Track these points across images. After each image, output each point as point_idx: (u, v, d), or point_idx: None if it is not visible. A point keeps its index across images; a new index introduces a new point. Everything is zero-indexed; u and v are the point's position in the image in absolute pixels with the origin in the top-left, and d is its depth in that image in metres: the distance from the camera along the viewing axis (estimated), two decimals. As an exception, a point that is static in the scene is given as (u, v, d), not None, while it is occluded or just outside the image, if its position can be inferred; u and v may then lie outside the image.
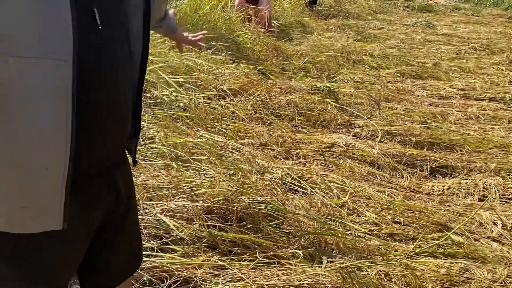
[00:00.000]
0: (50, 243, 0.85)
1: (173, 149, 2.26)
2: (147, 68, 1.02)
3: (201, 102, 3.03)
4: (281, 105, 3.29)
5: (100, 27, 0.79)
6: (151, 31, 1.06)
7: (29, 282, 0.87)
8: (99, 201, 0.93)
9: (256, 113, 3.17)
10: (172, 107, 2.89)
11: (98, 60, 0.81)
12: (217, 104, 3.10)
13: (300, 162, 2.65)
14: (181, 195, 1.92)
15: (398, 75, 4.59)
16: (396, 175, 2.63)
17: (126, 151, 1.05)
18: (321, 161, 2.69)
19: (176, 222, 1.78)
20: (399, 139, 3.02)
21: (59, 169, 0.77)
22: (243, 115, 3.06)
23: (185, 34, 1.62)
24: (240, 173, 2.12)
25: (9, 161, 0.77)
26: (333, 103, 3.38)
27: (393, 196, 2.37)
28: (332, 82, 3.99)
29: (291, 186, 2.29)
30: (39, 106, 0.74)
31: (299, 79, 3.89)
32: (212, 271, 1.62)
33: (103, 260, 1.02)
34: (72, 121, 0.75)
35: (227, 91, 3.27)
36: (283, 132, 2.97)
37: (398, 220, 2.15)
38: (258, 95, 3.33)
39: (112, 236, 1.01)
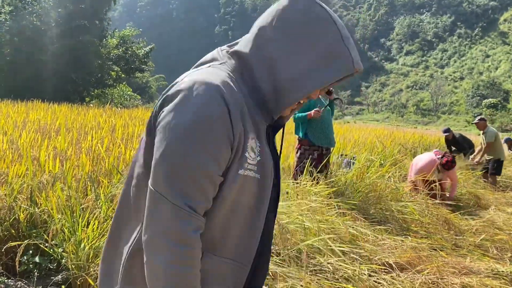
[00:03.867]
0: None
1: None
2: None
3: (365, 274, 2.96)
4: (455, 288, 2.99)
5: (267, 248, 1.09)
6: None
7: None
8: None
9: (425, 293, 2.93)
10: (336, 277, 2.88)
11: (262, 259, 1.09)
12: (382, 278, 2.97)
13: None
14: None
15: None
16: None
17: None
18: None
19: None
20: None
21: None
22: (410, 294, 2.85)
23: None
24: None
25: None
26: (520, 293, 2.94)
27: None
28: (517, 266, 3.52)
29: None
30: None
31: (475, 259, 3.54)
32: None
33: None
34: None
35: (393, 265, 3.15)
36: (458, 320, 2.65)
37: None
38: (427, 273, 3.11)
39: None
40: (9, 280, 2.83)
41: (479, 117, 8.03)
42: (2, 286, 2.76)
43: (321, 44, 0.96)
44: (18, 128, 6.24)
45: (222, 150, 0.89)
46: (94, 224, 2.87)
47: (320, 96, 5.09)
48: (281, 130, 1.14)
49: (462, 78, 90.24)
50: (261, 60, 0.97)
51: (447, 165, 5.37)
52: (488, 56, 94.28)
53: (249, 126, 0.95)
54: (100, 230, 2.90)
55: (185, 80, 0.93)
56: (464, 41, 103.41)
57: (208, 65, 1.03)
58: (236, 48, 1.03)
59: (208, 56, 1.08)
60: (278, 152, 1.12)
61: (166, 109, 0.90)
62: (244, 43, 1.02)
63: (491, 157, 7.62)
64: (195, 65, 1.08)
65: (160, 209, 0.86)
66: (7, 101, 12.73)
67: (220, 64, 1.01)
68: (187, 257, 0.87)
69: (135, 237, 0.97)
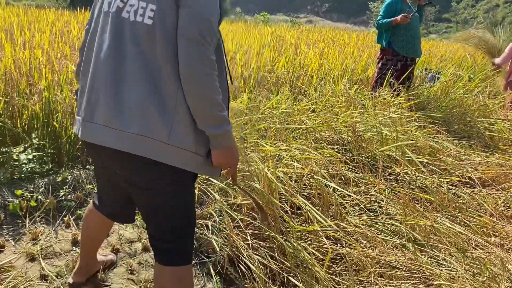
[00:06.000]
0: None
1: (410, 230, 2.15)
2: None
3: (444, 187, 2.82)
4: (544, 207, 2.78)
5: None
6: None
7: None
8: None
9: (509, 210, 2.76)
10: (412, 187, 2.78)
11: None
12: (462, 192, 2.83)
13: None
14: (415, 280, 1.78)
15: None
16: None
17: None
18: None
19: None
20: None
21: None
22: (492, 210, 2.70)
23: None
24: (487, 274, 1.84)
25: None
26: None
27: None
28: None
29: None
30: None
31: None
32: None
33: None
34: None
35: (476, 180, 2.97)
36: (543, 239, 2.48)
37: None
38: (514, 190, 2.90)
39: None
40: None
41: None
42: (92, 172, 3.00)
43: None
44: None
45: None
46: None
47: (407, 0, 4.63)
48: None
49: None
50: None
51: None
52: None
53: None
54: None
55: None
56: None
57: None
58: None
59: None
60: None
61: None
62: None
63: None
64: None
65: (201, 47, 1.25)
66: (90, 8, 13.21)
67: None
68: (216, 71, 1.29)
69: (177, 76, 1.29)
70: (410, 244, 2.03)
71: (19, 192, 2.61)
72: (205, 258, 2.20)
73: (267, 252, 2.02)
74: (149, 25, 1.28)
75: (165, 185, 1.39)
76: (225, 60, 1.43)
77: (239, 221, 2.16)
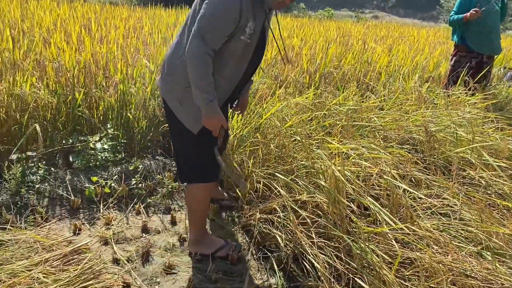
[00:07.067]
0: None
1: (487, 237, 2.01)
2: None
3: (524, 193, 2.62)
4: None
5: (248, 77, 2.10)
6: None
7: None
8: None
9: None
10: (489, 192, 2.61)
11: (242, 82, 2.05)
12: (546, 200, 2.61)
13: None
14: (492, 292, 1.67)
15: None
16: None
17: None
18: None
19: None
20: None
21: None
22: None
23: None
24: None
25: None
26: None
27: None
28: None
29: None
30: None
31: None
32: None
33: None
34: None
35: (561, 188, 2.73)
36: None
37: None
38: None
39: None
40: (166, 159, 3.18)
41: None
42: (161, 163, 3.11)
43: None
44: (170, 29, 6.66)
45: (230, 27, 1.75)
46: (238, 116, 2.99)
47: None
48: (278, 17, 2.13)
49: None
50: None
51: None
52: None
53: (251, 15, 1.77)
54: (244, 121, 3.01)
55: None
56: None
57: None
58: None
59: None
60: (277, 30, 2.12)
61: (206, 1, 1.74)
62: None
63: None
64: None
65: (197, 40, 1.72)
66: (160, 5, 13.69)
67: None
68: (206, 62, 1.75)
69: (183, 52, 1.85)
70: (487, 252, 1.90)
71: (94, 178, 2.76)
72: (268, 253, 2.20)
73: (332, 252, 1.98)
74: (192, 10, 1.87)
75: (175, 123, 1.99)
76: (236, 61, 1.88)
77: (304, 218, 2.14)
